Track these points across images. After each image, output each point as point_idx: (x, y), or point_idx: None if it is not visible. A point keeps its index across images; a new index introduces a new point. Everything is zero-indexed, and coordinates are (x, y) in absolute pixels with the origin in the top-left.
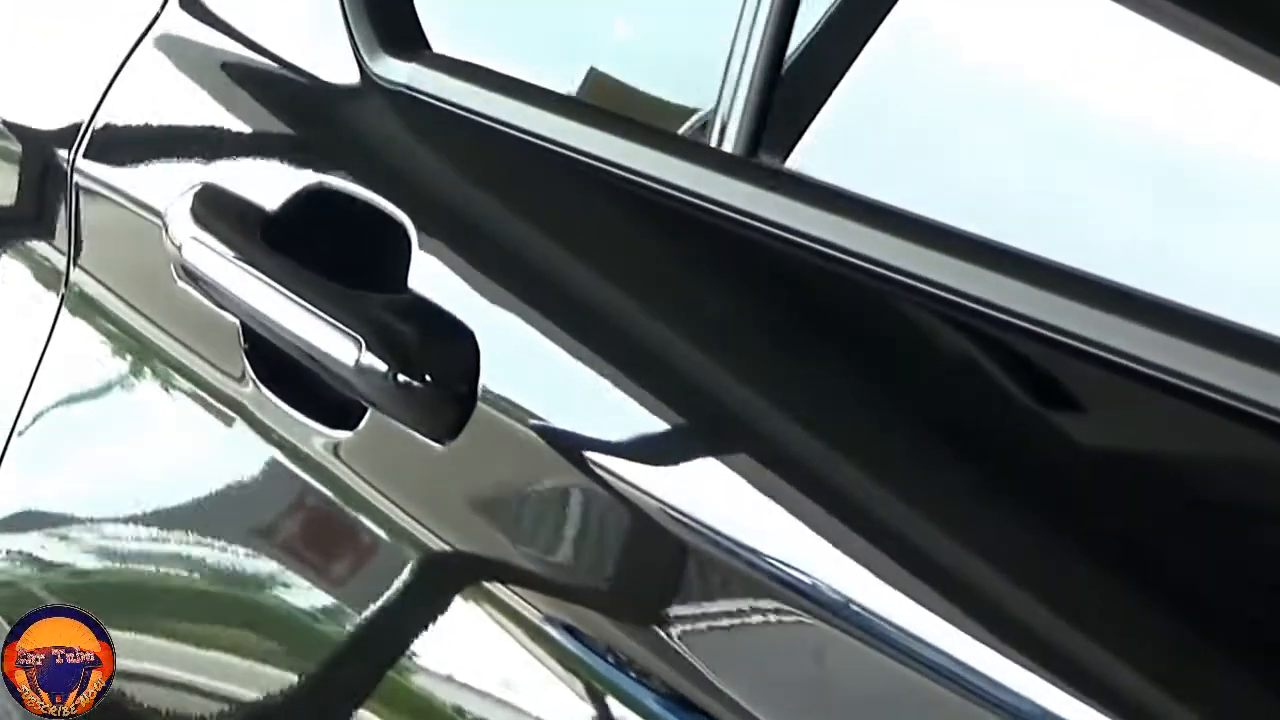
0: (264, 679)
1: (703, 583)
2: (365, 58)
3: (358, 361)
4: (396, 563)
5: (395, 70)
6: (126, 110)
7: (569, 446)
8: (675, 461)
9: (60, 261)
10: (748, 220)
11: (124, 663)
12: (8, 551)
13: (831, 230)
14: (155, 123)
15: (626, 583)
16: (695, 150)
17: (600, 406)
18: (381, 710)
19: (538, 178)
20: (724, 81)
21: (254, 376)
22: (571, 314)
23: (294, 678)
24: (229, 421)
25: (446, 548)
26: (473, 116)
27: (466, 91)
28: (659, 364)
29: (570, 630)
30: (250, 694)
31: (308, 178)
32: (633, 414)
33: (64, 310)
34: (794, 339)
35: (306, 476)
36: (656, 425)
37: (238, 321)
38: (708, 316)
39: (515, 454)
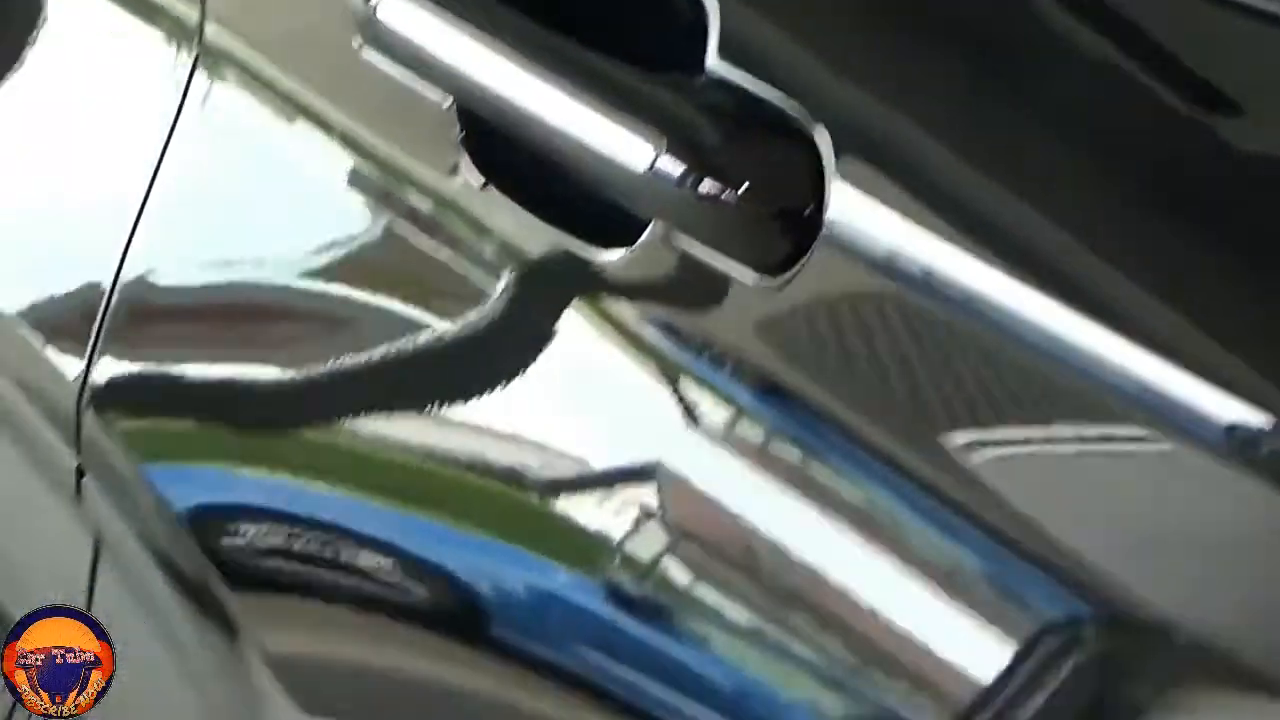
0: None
1: None
2: None
3: (654, 165)
4: (674, 427)
5: None
6: None
7: (956, 297)
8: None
9: (189, 12)
10: None
11: None
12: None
13: None
14: None
15: None
16: None
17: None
18: None
19: None
20: None
21: (477, 175)
22: (981, 101)
23: None
24: (441, 238)
25: (751, 417)
26: None
27: None
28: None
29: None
30: None
31: None
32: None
33: (194, 83)
34: None
35: (553, 307)
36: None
37: (452, 102)
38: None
39: (871, 304)
